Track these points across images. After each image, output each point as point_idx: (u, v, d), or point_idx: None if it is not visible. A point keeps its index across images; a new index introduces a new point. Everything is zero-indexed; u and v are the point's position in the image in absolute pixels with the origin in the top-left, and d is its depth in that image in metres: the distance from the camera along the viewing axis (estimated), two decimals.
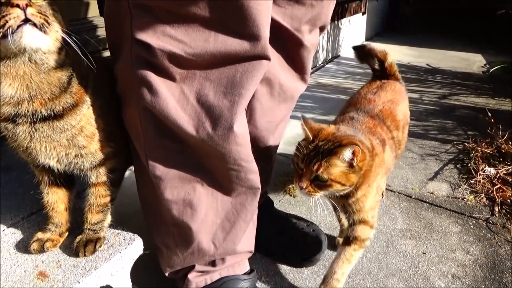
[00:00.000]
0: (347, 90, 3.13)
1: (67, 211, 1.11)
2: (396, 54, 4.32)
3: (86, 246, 1.06)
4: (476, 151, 2.04)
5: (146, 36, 0.86)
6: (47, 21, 0.80)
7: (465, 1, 5.94)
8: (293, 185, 1.76)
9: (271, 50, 1.03)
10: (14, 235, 1.14)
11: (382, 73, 1.52)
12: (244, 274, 1.15)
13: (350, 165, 1.02)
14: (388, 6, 5.40)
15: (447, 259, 1.39)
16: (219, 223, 1.06)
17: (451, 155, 2.11)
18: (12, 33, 0.75)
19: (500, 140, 2.07)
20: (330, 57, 3.99)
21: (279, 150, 1.43)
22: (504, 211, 1.64)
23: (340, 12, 3.77)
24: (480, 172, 1.88)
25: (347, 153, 1.00)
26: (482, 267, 1.36)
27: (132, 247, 1.10)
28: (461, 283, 1.29)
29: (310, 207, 1.65)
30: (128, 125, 1.02)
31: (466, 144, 2.17)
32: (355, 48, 1.65)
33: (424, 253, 1.42)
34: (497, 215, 1.62)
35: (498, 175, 1.84)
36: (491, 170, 1.88)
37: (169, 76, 0.91)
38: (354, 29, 4.42)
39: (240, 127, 0.94)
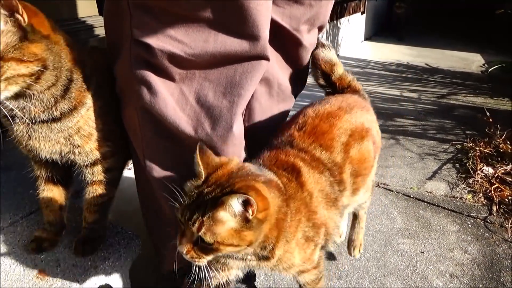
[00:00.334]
0: None
1: (62, 210, 1.11)
2: (395, 53, 4.33)
3: (84, 245, 1.06)
4: (475, 151, 2.05)
5: (146, 36, 0.86)
6: None
7: (465, 1, 5.95)
8: None
9: (270, 50, 1.04)
10: (13, 234, 1.14)
11: (332, 88, 1.24)
12: None
13: (246, 219, 0.75)
14: (387, 6, 5.41)
15: (445, 258, 1.40)
16: None
17: (450, 155, 2.12)
18: None
19: (498, 140, 2.07)
20: None
21: None
22: (502, 210, 1.65)
23: (339, 12, 3.78)
24: (478, 171, 1.89)
25: (235, 204, 0.73)
26: (480, 266, 1.36)
27: (131, 246, 1.11)
28: (459, 282, 1.30)
29: None
30: (127, 125, 1.02)
31: (465, 143, 2.18)
32: None
33: (422, 252, 1.42)
34: (495, 214, 1.63)
35: (496, 174, 1.85)
36: (489, 170, 1.89)
37: (169, 76, 0.91)
38: (353, 28, 4.42)
39: (238, 127, 0.95)
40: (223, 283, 0.94)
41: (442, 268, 1.36)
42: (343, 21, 4.05)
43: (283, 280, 1.31)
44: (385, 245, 1.45)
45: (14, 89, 0.80)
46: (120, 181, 1.13)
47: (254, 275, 1.29)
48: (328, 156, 0.97)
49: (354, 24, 4.42)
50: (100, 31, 1.73)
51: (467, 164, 1.97)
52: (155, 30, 0.86)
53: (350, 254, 1.33)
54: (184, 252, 0.79)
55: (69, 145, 0.96)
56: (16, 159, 1.02)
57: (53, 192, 1.09)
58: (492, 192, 1.74)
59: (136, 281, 1.18)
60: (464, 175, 1.91)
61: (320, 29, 1.18)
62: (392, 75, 3.56)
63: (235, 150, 0.96)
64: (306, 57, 1.17)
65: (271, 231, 0.80)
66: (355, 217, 1.33)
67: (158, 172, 0.98)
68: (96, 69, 0.99)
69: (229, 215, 0.74)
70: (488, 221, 1.59)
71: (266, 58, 0.93)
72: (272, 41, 1.00)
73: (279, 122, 1.26)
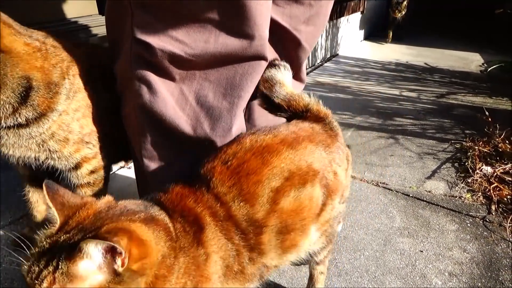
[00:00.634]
0: (345, 88, 3.14)
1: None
2: (395, 53, 4.33)
3: None
4: (474, 150, 2.05)
5: (147, 36, 0.86)
6: None
7: (465, 0, 5.95)
8: None
9: (269, 49, 1.04)
10: (13, 232, 1.14)
11: (286, 113, 1.03)
12: None
13: (115, 272, 0.57)
14: (386, 6, 5.41)
15: (444, 257, 1.40)
16: None
17: (449, 154, 2.12)
18: None
19: (497, 139, 2.08)
20: (328, 55, 3.99)
21: None
22: (500, 209, 1.65)
23: (338, 11, 3.78)
24: (477, 170, 1.89)
25: (95, 253, 0.55)
26: (478, 265, 1.37)
27: None
28: (458, 281, 1.30)
29: None
30: (126, 123, 1.03)
31: (464, 143, 2.18)
32: None
33: (422, 251, 1.43)
34: (493, 213, 1.63)
35: (495, 173, 1.85)
36: (488, 169, 1.89)
37: (169, 76, 0.91)
38: (353, 28, 4.42)
39: (237, 128, 0.95)
40: None
41: (441, 267, 1.36)
42: (343, 20, 4.05)
43: (282, 278, 1.31)
44: (384, 244, 1.46)
45: None
46: (121, 180, 1.13)
47: None
48: (246, 211, 0.75)
49: (354, 24, 4.42)
50: (99, 30, 1.73)
51: (466, 164, 1.98)
52: (156, 29, 0.86)
53: None
54: None
55: (45, 152, 0.95)
56: None
57: (39, 193, 1.09)
58: (491, 191, 1.74)
59: None
60: (463, 175, 1.91)
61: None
62: (391, 75, 3.56)
63: None
64: (304, 57, 1.18)
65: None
66: (310, 277, 1.11)
67: (155, 170, 0.99)
68: (80, 71, 0.97)
69: (91, 268, 0.56)
70: (487, 220, 1.60)
71: (265, 58, 0.94)
72: (271, 41, 1.01)
73: (278, 122, 1.26)
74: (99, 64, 1.06)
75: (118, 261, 0.56)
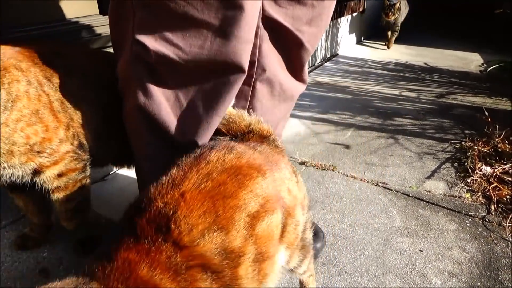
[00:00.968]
0: (344, 88, 3.14)
1: (43, 212, 1.09)
2: (394, 53, 4.33)
3: (84, 245, 1.07)
4: (473, 150, 2.06)
5: (145, 37, 0.86)
6: None
7: (464, 0, 5.96)
8: None
9: (272, 50, 1.04)
10: (15, 232, 1.15)
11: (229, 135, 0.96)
12: None
13: None
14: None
15: (444, 257, 1.41)
16: None
17: (448, 154, 2.13)
18: None
19: (496, 139, 2.08)
20: (328, 55, 3.99)
21: None
22: (500, 209, 1.66)
23: (339, 11, 3.78)
24: (477, 170, 1.90)
25: None
26: (478, 265, 1.37)
27: None
28: (457, 280, 1.31)
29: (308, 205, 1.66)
30: (126, 122, 1.03)
31: (463, 143, 2.19)
32: None
33: (421, 251, 1.43)
34: (493, 213, 1.64)
35: (495, 173, 1.86)
36: (487, 169, 1.90)
37: (163, 80, 0.91)
38: (353, 28, 4.42)
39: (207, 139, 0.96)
40: None
41: (440, 266, 1.37)
42: (343, 20, 4.06)
43: (283, 279, 1.32)
44: (384, 243, 1.46)
45: None
46: (121, 180, 1.13)
47: None
48: (221, 240, 0.65)
49: (354, 24, 4.42)
50: (100, 31, 1.73)
51: (466, 164, 1.98)
52: (155, 31, 0.86)
53: None
54: None
55: None
56: None
57: (22, 199, 1.06)
58: (491, 191, 1.75)
59: None
60: (462, 174, 1.92)
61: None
62: (390, 75, 3.57)
63: None
64: (307, 58, 1.18)
65: None
66: (300, 283, 1.11)
67: (153, 171, 0.99)
68: (23, 76, 0.89)
69: None
70: (487, 220, 1.61)
71: (244, 70, 0.92)
72: (274, 41, 1.01)
73: (280, 122, 1.26)
74: (71, 63, 0.99)
75: None
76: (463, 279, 1.31)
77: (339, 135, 2.31)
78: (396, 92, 3.10)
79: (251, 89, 1.09)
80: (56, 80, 0.95)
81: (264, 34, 1.02)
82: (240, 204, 0.69)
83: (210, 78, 0.92)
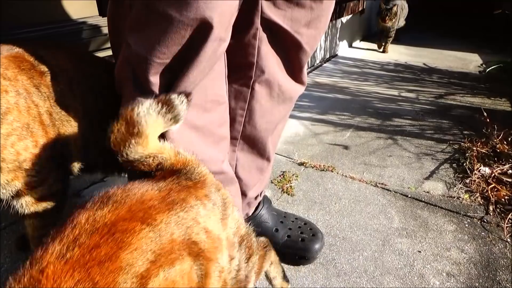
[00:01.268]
0: (343, 89, 3.15)
1: None
2: (393, 53, 4.34)
3: None
4: (472, 151, 2.07)
5: (131, 38, 0.85)
6: None
7: (463, 1, 5.97)
8: (291, 184, 1.78)
9: (270, 51, 1.05)
10: (15, 232, 1.15)
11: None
12: None
13: None
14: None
15: (442, 257, 1.42)
16: None
17: (447, 155, 2.13)
18: None
19: (495, 140, 2.09)
20: (327, 56, 4.00)
21: (277, 150, 1.45)
22: (498, 210, 1.67)
23: (338, 12, 3.79)
24: (475, 171, 1.90)
25: None
26: (476, 265, 1.38)
27: None
28: (455, 281, 1.31)
29: (307, 206, 1.67)
30: None
31: (462, 143, 2.19)
32: None
33: (420, 252, 1.44)
34: (491, 214, 1.65)
35: (493, 174, 1.86)
36: (486, 170, 1.91)
37: (148, 82, 0.89)
38: (353, 27, 4.43)
39: None
40: None
41: (439, 267, 1.37)
42: (342, 20, 4.06)
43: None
44: (382, 244, 1.47)
45: None
46: (121, 180, 1.13)
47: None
48: None
49: (354, 23, 4.43)
50: (101, 31, 1.74)
51: (464, 164, 1.99)
52: (139, 31, 0.84)
53: None
54: None
55: None
56: None
57: None
58: (489, 192, 1.76)
59: None
60: (461, 175, 1.92)
61: None
62: (390, 75, 3.57)
63: None
64: (306, 60, 1.18)
65: None
66: None
67: None
68: (11, 85, 0.81)
69: None
70: (485, 220, 1.61)
71: (212, 26, 0.80)
72: (272, 43, 1.01)
73: (279, 124, 1.27)
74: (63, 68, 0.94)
75: None
76: (461, 280, 1.32)
77: (338, 136, 2.32)
78: (395, 92, 3.10)
79: (249, 90, 1.10)
80: (44, 89, 0.88)
81: (263, 36, 1.02)
82: (123, 265, 0.58)
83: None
